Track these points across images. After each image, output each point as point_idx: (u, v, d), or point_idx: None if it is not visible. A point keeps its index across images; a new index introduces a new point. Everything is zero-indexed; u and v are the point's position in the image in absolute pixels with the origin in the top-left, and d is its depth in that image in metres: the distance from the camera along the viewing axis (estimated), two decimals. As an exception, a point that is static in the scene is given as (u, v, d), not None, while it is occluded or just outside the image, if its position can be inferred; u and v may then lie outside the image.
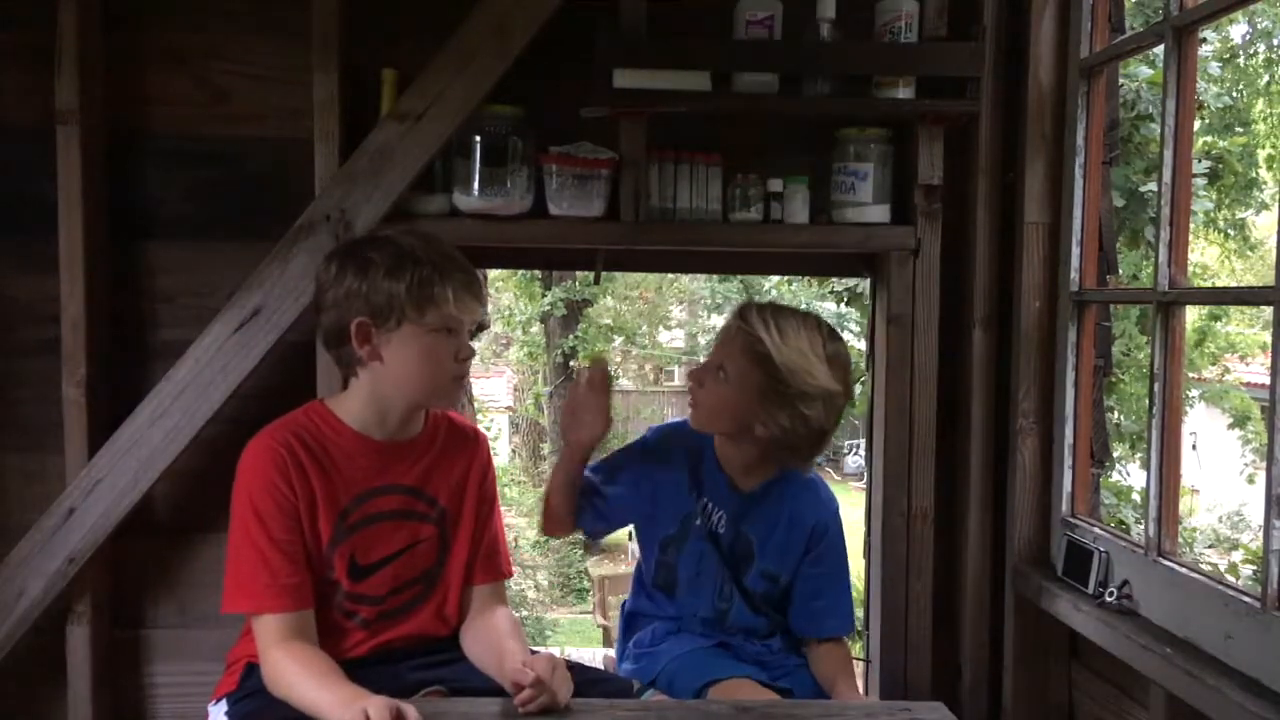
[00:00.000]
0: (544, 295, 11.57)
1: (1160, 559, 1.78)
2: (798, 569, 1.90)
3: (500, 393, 15.44)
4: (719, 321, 13.55)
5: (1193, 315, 9.31)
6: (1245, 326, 10.86)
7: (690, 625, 1.92)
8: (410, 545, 1.72)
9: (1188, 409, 8.03)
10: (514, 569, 2.01)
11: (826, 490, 1.96)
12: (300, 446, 1.65)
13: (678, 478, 1.89)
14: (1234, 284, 9.63)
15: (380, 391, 1.67)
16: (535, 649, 1.69)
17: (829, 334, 1.80)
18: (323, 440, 1.68)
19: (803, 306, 2.04)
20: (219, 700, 1.70)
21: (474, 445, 1.82)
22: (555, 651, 1.85)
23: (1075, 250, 2.08)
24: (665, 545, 1.91)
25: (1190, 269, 1.85)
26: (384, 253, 1.63)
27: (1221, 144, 8.47)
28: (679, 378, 17.77)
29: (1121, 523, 5.06)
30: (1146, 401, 1.93)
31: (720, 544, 1.89)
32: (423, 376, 1.65)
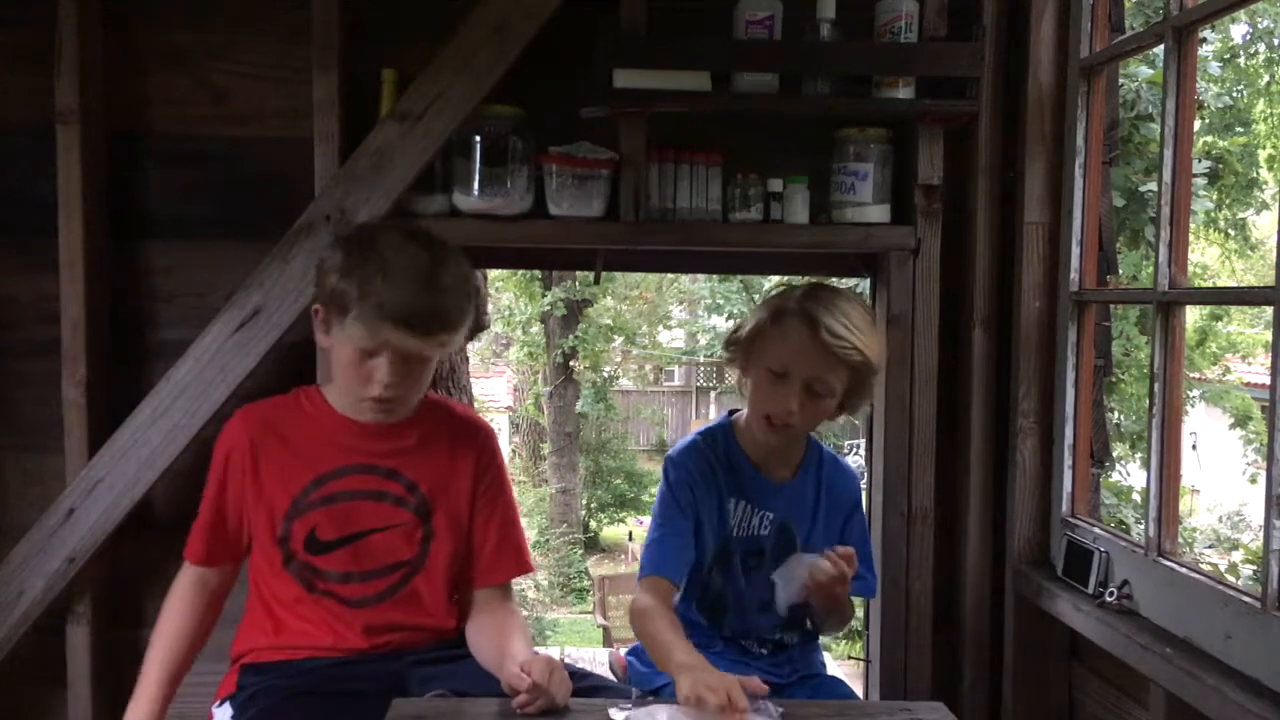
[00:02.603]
0: (544, 295, 11.57)
1: (1160, 559, 1.78)
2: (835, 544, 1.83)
3: (500, 393, 15.44)
4: (719, 322, 13.54)
5: (1194, 315, 9.31)
6: (1246, 326, 10.87)
7: (726, 649, 1.84)
8: (378, 529, 1.71)
9: (1188, 409, 8.03)
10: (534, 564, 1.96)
11: (847, 463, 1.94)
12: (269, 424, 1.72)
13: (714, 494, 1.82)
14: (1234, 284, 9.63)
15: None
16: (536, 649, 1.69)
17: (863, 303, 1.80)
18: (298, 418, 1.73)
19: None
20: (221, 702, 1.70)
21: (473, 438, 1.79)
22: (555, 652, 1.84)
23: (1075, 250, 2.08)
24: (710, 566, 1.83)
25: (1190, 269, 1.85)
26: (351, 248, 1.63)
27: (1221, 144, 8.48)
28: (679, 377, 17.78)
29: (1121, 523, 5.06)
30: (1146, 401, 1.93)
31: (761, 546, 1.83)
32: (342, 383, 1.69)
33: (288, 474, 1.69)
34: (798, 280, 2.16)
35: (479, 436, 1.81)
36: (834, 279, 2.45)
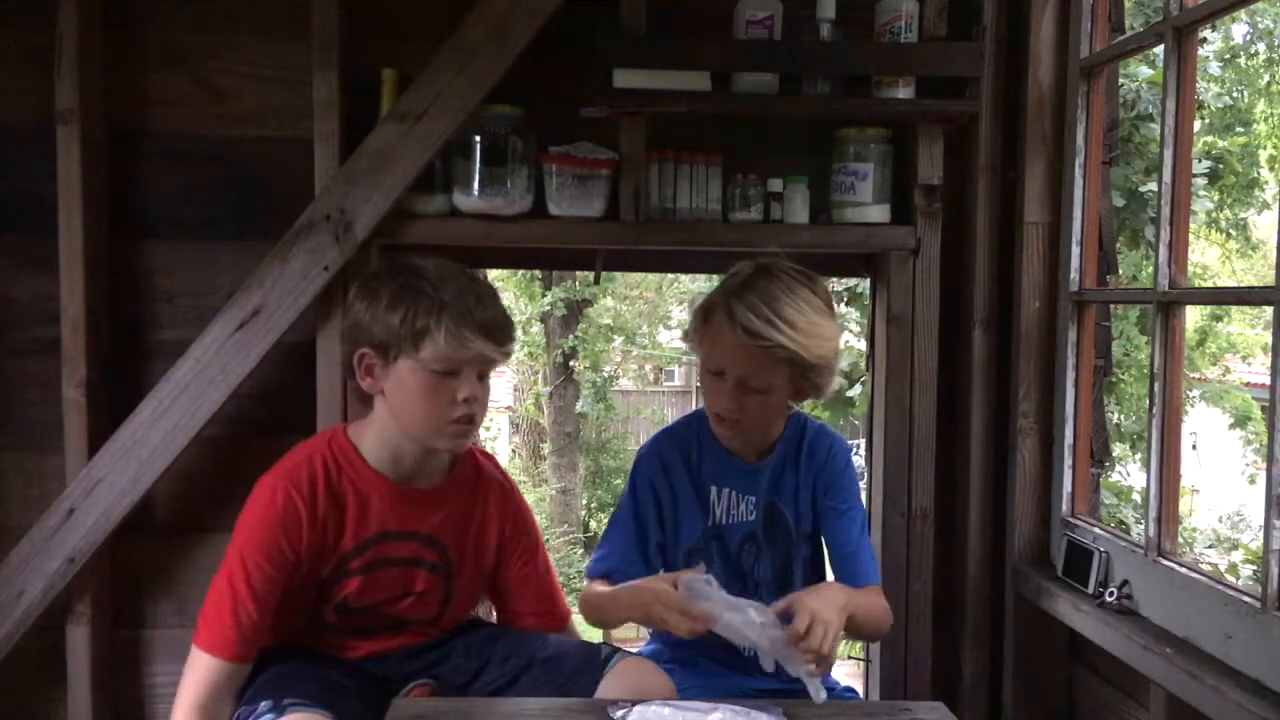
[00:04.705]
0: (544, 295, 11.55)
1: (1160, 559, 1.78)
2: (822, 511, 1.80)
3: (500, 393, 15.44)
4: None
5: (1194, 315, 9.31)
6: (1246, 327, 10.87)
7: (714, 651, 1.79)
8: (411, 594, 1.69)
9: (1188, 409, 8.03)
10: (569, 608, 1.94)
11: (832, 430, 1.88)
12: (319, 493, 1.60)
13: (684, 482, 1.80)
14: (1234, 284, 9.63)
15: (389, 427, 1.63)
16: None
17: (810, 285, 1.68)
18: (341, 480, 1.63)
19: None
20: None
21: (498, 494, 1.78)
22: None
23: (1075, 250, 2.08)
24: (691, 557, 1.79)
25: (1190, 269, 1.85)
26: (395, 283, 1.58)
27: (1221, 144, 8.47)
28: (679, 378, 17.77)
29: (1121, 523, 5.05)
30: (1146, 401, 1.93)
31: (753, 530, 1.80)
32: (418, 416, 1.59)
33: (338, 538, 1.63)
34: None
35: (503, 493, 1.79)
36: (834, 279, 2.45)
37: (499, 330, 1.58)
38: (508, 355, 1.62)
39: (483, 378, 1.61)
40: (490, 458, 1.83)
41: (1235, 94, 9.82)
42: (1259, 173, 9.57)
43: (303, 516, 1.58)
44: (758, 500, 1.79)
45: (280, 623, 1.64)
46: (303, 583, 1.62)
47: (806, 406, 1.92)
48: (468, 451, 1.75)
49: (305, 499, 1.59)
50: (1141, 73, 5.38)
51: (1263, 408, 7.66)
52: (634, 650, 1.97)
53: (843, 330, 1.77)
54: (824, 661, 1.50)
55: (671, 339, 16.04)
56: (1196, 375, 9.76)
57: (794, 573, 1.80)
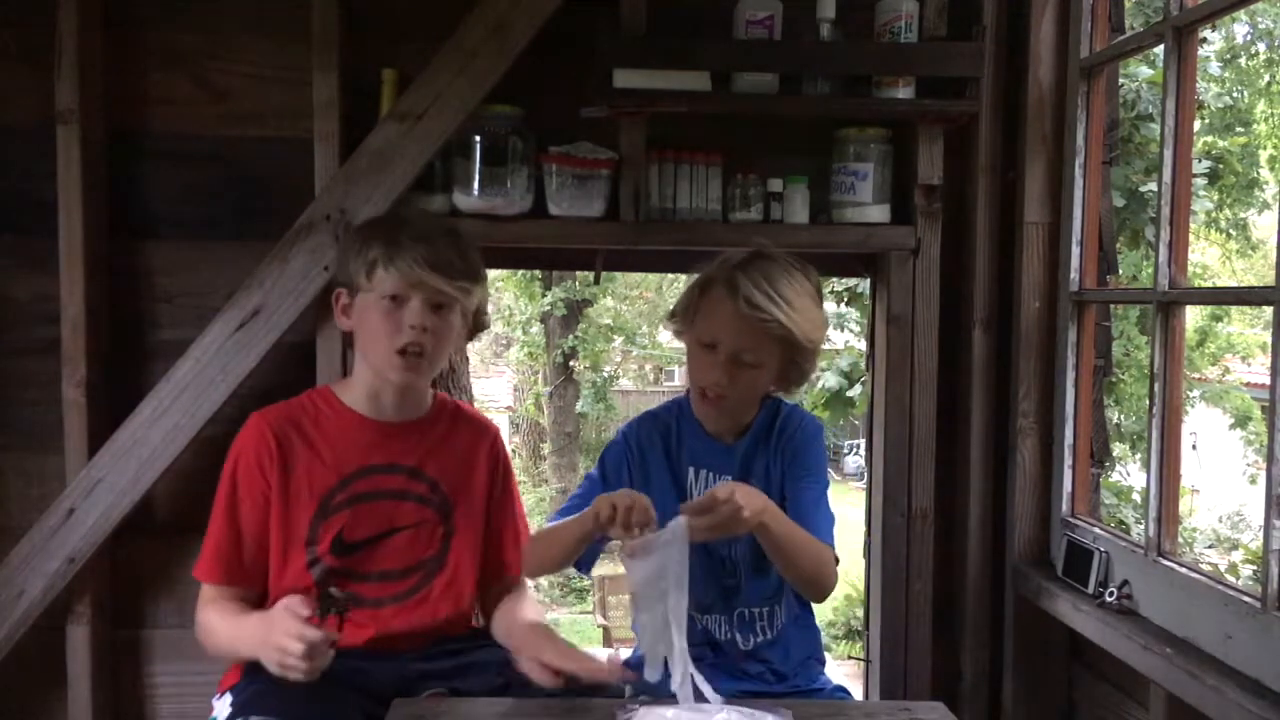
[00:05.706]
0: (544, 295, 11.57)
1: (1160, 559, 1.78)
2: (786, 480, 1.79)
3: (500, 393, 15.45)
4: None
5: (1194, 315, 9.31)
6: (1246, 327, 10.87)
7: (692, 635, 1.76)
8: (404, 527, 1.73)
9: (1188, 409, 8.03)
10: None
11: (805, 412, 1.89)
12: (290, 427, 1.72)
13: (660, 464, 1.80)
14: (1234, 284, 9.63)
15: (363, 364, 1.75)
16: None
17: (805, 272, 1.72)
18: (318, 419, 1.74)
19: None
20: (222, 694, 1.70)
21: (484, 435, 1.85)
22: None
23: (1075, 250, 2.08)
24: None
25: (1190, 269, 1.85)
26: (367, 227, 1.76)
27: (1222, 144, 8.48)
28: (679, 378, 17.79)
29: (1121, 523, 5.06)
30: (1146, 401, 1.93)
31: None
32: (373, 345, 1.70)
33: (314, 475, 1.70)
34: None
35: (490, 435, 1.86)
36: (834, 279, 2.44)
37: (447, 264, 1.66)
38: (461, 290, 1.69)
39: (437, 310, 1.68)
40: (470, 405, 1.92)
41: (1235, 94, 9.83)
42: (1259, 173, 9.58)
43: (273, 449, 1.69)
44: (732, 480, 1.76)
45: (292, 574, 1.68)
46: (294, 521, 1.68)
47: (807, 405, 1.92)
48: (451, 402, 1.86)
49: (276, 433, 1.70)
50: (1141, 73, 5.39)
51: (1263, 408, 7.66)
52: (623, 655, 1.98)
53: (829, 325, 1.77)
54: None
55: (671, 338, 16.06)
56: (1196, 375, 9.77)
57: (740, 564, 1.78)
